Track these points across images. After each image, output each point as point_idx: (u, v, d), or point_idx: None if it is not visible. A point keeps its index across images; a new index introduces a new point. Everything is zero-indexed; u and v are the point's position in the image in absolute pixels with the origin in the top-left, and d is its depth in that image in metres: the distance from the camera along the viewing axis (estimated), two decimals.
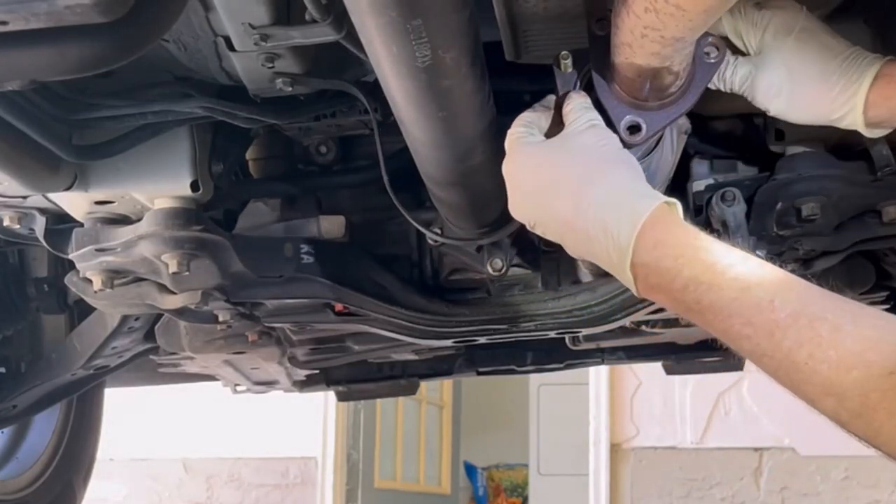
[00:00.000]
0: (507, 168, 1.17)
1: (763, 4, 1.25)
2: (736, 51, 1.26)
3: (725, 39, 1.27)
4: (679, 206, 1.06)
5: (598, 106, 1.18)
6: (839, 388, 0.90)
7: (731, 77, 1.25)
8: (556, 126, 1.20)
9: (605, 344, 2.27)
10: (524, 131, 1.18)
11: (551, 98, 1.22)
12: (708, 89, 1.21)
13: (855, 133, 1.46)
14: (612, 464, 5.72)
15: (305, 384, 2.42)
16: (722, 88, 1.28)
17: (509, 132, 1.19)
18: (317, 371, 2.34)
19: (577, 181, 1.09)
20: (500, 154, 1.32)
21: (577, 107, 1.17)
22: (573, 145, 1.13)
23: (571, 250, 1.14)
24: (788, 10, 1.24)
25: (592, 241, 1.07)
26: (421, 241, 1.84)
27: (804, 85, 1.22)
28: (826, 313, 0.93)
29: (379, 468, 6.88)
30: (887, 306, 2.01)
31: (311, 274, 1.70)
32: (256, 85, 1.39)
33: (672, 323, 1.96)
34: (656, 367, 2.73)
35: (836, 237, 1.65)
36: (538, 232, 1.16)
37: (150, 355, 2.19)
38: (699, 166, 1.66)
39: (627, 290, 1.74)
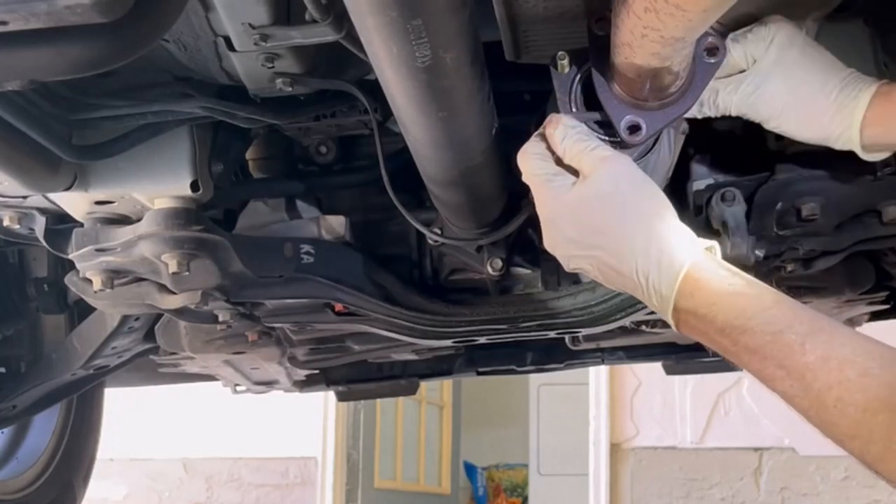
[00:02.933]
0: (540, 212, 1.20)
1: (767, 20, 1.26)
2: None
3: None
4: (717, 248, 1.11)
5: (599, 106, 1.18)
6: (866, 431, 0.93)
7: (727, 98, 1.27)
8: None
9: (605, 344, 2.28)
10: (542, 168, 1.18)
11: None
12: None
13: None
14: (612, 464, 5.72)
15: (305, 384, 2.42)
16: (712, 115, 1.30)
17: (526, 171, 1.20)
18: (317, 371, 2.34)
19: (612, 231, 1.13)
20: (500, 154, 1.32)
21: (567, 141, 1.17)
22: (596, 191, 1.14)
23: (611, 286, 1.18)
24: (791, 25, 1.26)
25: (634, 287, 1.12)
26: (421, 241, 1.84)
27: (804, 99, 1.24)
28: (856, 356, 0.96)
29: (379, 468, 6.88)
30: (887, 306, 2.01)
31: (311, 274, 1.70)
32: (256, 85, 1.39)
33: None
34: (656, 367, 2.73)
35: (836, 237, 1.65)
36: (572, 268, 1.20)
37: (150, 355, 2.18)
38: (699, 166, 1.66)
39: None
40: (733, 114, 1.29)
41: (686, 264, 1.07)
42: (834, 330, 1.00)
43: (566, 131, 1.18)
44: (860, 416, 0.93)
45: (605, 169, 1.14)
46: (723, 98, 1.28)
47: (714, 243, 1.11)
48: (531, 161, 1.20)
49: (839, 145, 1.25)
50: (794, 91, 1.24)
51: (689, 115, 1.25)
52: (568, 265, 1.21)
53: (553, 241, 1.20)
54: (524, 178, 1.21)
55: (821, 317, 1.01)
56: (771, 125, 1.28)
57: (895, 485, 0.93)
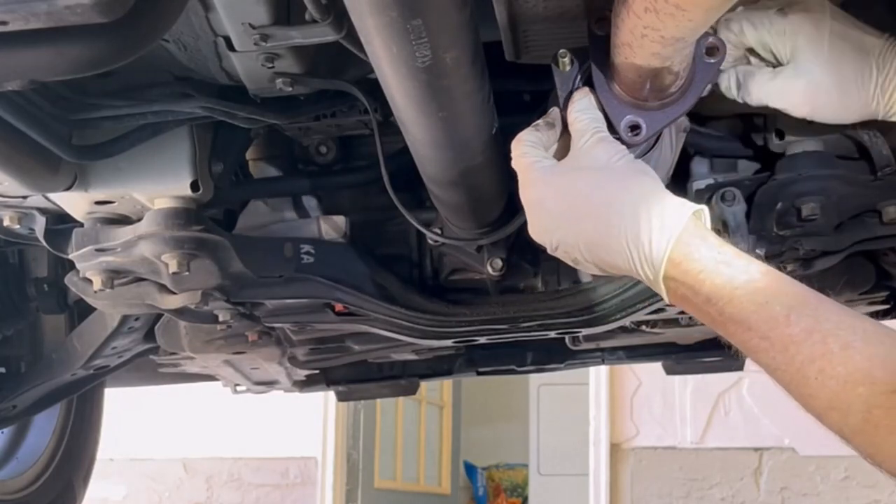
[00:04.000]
0: (525, 195, 1.18)
1: (787, 10, 1.25)
2: (760, 61, 1.27)
3: (751, 51, 1.27)
4: (706, 211, 1.09)
5: (599, 106, 1.18)
6: (844, 403, 0.93)
7: (759, 90, 1.27)
8: (563, 140, 1.20)
9: (605, 344, 2.27)
10: (532, 153, 1.18)
11: (553, 113, 1.22)
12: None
13: (855, 132, 1.46)
14: (612, 464, 5.72)
15: (305, 384, 2.42)
16: (750, 103, 1.29)
17: (516, 156, 1.19)
18: (317, 371, 2.34)
19: (602, 201, 1.11)
20: (500, 154, 1.32)
21: (580, 115, 1.17)
22: (588, 164, 1.14)
23: (598, 268, 1.15)
24: (815, 12, 1.24)
25: (625, 259, 1.10)
26: (421, 241, 1.84)
27: (843, 86, 1.23)
28: (839, 330, 0.96)
29: (379, 468, 6.88)
30: (887, 306, 2.01)
31: (311, 274, 1.70)
32: (256, 85, 1.39)
33: (672, 323, 1.96)
34: (656, 367, 2.73)
35: (836, 237, 1.65)
36: (559, 254, 1.18)
37: (150, 355, 2.18)
38: (699, 166, 1.66)
39: (627, 290, 1.74)
40: (766, 103, 1.28)
41: (676, 232, 1.06)
42: (819, 303, 0.99)
43: (588, 104, 1.17)
44: (840, 388, 0.93)
45: (601, 147, 1.14)
46: (755, 89, 1.27)
47: (703, 207, 1.09)
48: (522, 146, 1.19)
49: (884, 117, 1.24)
50: (832, 80, 1.23)
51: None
52: (554, 248, 1.18)
53: (539, 223, 1.18)
54: (513, 164, 1.19)
55: (806, 290, 1.01)
56: (807, 115, 1.27)
57: (871, 460, 0.93)
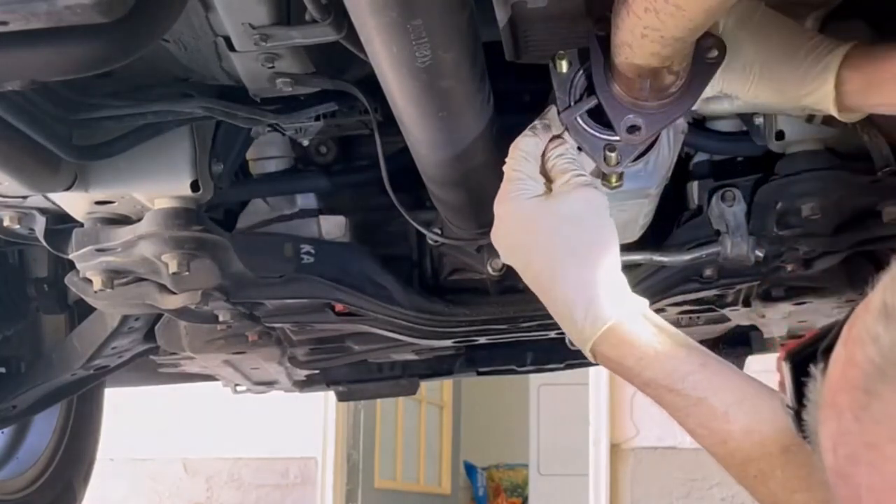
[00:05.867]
0: (498, 208, 1.21)
1: None
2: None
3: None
4: (646, 304, 1.13)
5: (599, 107, 1.18)
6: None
7: None
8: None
9: None
10: (520, 172, 1.19)
11: (550, 113, 1.22)
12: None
13: (854, 133, 1.45)
14: (612, 464, 5.72)
15: (305, 384, 2.42)
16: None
17: (508, 164, 1.20)
18: (317, 371, 2.34)
19: (556, 259, 1.15)
20: (500, 154, 1.32)
21: (558, 161, 1.19)
22: (561, 211, 1.16)
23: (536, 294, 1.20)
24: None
25: (561, 316, 1.15)
26: (421, 241, 1.84)
27: (774, 60, 1.21)
28: (777, 433, 1.03)
29: (379, 468, 6.89)
30: None
31: (311, 274, 1.70)
32: (256, 85, 1.39)
33: (671, 323, 1.96)
34: None
35: (836, 237, 1.65)
36: (508, 263, 1.23)
37: (150, 355, 2.18)
38: (699, 166, 1.66)
39: None
40: (710, 93, 1.24)
41: (610, 320, 1.11)
42: (759, 400, 1.05)
43: (565, 150, 1.19)
44: (779, 491, 1.00)
45: (577, 194, 1.16)
46: None
47: (644, 301, 1.14)
48: (516, 156, 1.20)
49: (813, 106, 1.21)
50: (765, 55, 1.21)
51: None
52: (505, 259, 1.23)
53: (501, 239, 1.21)
54: (504, 168, 1.21)
55: (747, 382, 1.07)
56: (745, 96, 1.24)
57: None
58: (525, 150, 1.20)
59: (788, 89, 1.21)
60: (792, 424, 0.77)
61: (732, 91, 1.25)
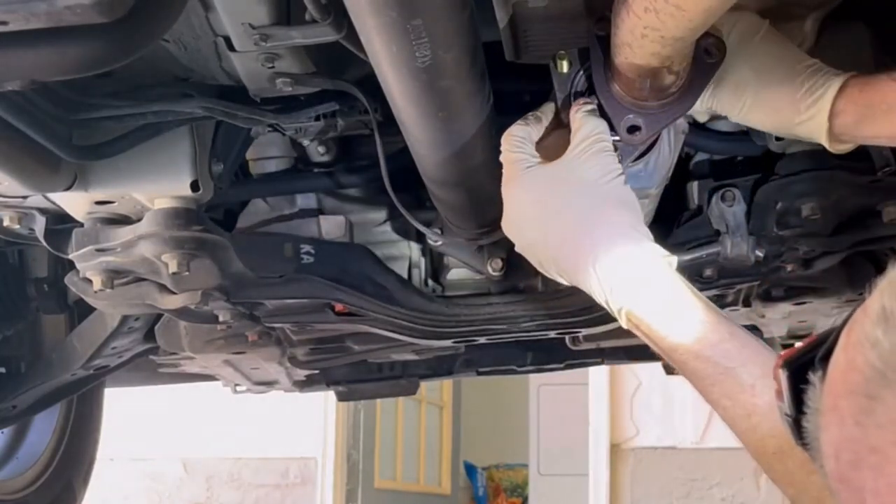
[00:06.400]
0: (506, 190, 1.19)
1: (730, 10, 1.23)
2: None
3: None
4: (675, 261, 1.11)
5: (599, 107, 1.18)
6: (801, 483, 1.02)
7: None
8: (555, 137, 1.20)
9: (605, 344, 2.27)
10: (520, 151, 1.18)
11: (545, 107, 1.22)
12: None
13: None
14: (612, 464, 5.72)
15: (305, 384, 2.42)
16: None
17: (505, 150, 1.20)
18: (317, 371, 2.34)
19: (579, 222, 1.13)
20: (499, 154, 1.31)
21: (587, 117, 1.17)
22: (577, 176, 1.14)
23: (562, 278, 1.17)
24: (753, 15, 1.22)
25: (587, 284, 1.13)
26: (421, 241, 1.84)
27: (771, 87, 1.20)
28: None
29: (379, 468, 6.88)
30: None
31: (311, 274, 1.70)
32: (256, 85, 1.39)
33: None
34: (656, 367, 2.73)
35: (836, 237, 1.65)
36: (526, 254, 1.20)
37: (150, 355, 2.18)
38: (699, 166, 1.66)
39: None
40: (700, 110, 1.24)
41: (645, 277, 1.09)
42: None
43: (584, 112, 1.18)
44: (797, 470, 1.00)
45: (598, 159, 1.14)
46: None
47: (673, 257, 1.12)
48: (512, 141, 1.20)
49: (805, 135, 1.20)
50: (761, 79, 1.20)
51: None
52: (522, 247, 1.21)
53: (514, 220, 1.20)
54: (501, 158, 1.20)
55: (769, 355, 1.06)
56: (736, 116, 1.24)
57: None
58: (520, 135, 1.20)
59: (781, 116, 1.20)
60: (790, 432, 0.76)
61: (723, 111, 1.24)
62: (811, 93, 1.16)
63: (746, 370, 1.04)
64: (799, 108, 1.17)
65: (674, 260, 1.11)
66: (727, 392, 1.06)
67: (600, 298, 1.13)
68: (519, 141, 1.19)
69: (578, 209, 1.13)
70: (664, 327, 1.08)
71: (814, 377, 0.71)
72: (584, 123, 1.17)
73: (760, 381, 1.03)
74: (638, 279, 1.09)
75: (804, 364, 0.73)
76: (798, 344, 0.96)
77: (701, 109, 1.24)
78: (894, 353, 0.63)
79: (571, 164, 1.16)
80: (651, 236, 1.13)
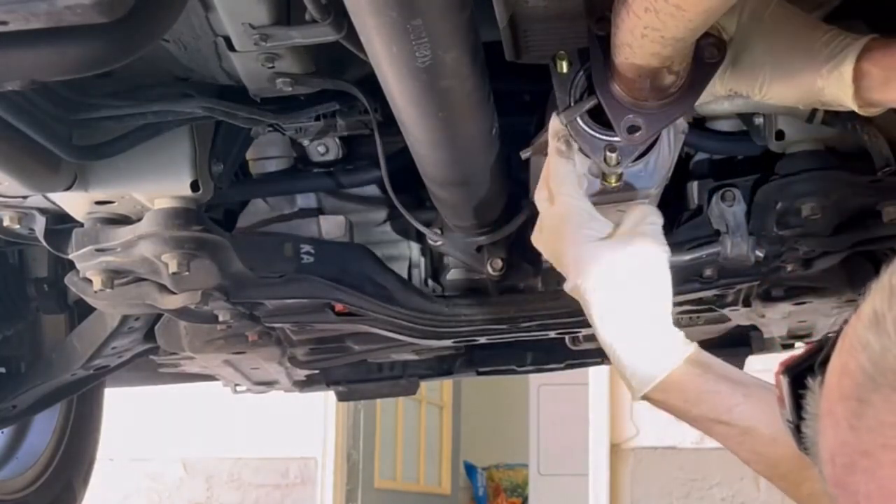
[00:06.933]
0: (570, 253, 1.24)
1: None
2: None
3: None
4: (692, 348, 1.18)
5: (599, 107, 1.18)
6: None
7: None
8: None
9: None
10: (578, 206, 1.22)
11: (561, 132, 1.23)
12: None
13: (854, 133, 1.45)
14: (612, 464, 5.72)
15: (305, 384, 2.42)
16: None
17: (563, 197, 1.22)
18: (317, 371, 2.34)
19: (610, 303, 1.20)
20: (500, 154, 1.32)
21: (557, 164, 1.23)
22: (621, 259, 1.21)
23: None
24: None
25: (611, 352, 1.21)
26: (421, 241, 1.84)
27: (789, 59, 1.17)
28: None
29: (379, 468, 6.88)
30: None
31: (311, 274, 1.70)
32: (256, 85, 1.39)
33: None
34: None
35: (836, 237, 1.65)
36: (558, 267, 1.28)
37: (150, 355, 2.18)
38: (699, 166, 1.66)
39: None
40: (721, 93, 1.23)
41: (661, 373, 1.16)
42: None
43: (561, 155, 1.24)
44: None
45: (642, 244, 1.21)
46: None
47: (690, 347, 1.18)
48: (566, 189, 1.23)
49: (831, 100, 1.17)
50: (778, 51, 1.17)
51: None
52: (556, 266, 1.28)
53: (548, 245, 1.26)
54: (554, 206, 1.24)
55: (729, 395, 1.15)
56: (757, 94, 1.21)
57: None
58: (571, 179, 1.23)
59: (803, 85, 1.17)
60: (792, 438, 0.77)
61: (743, 90, 1.22)
62: (832, 56, 1.13)
63: (764, 425, 1.12)
64: (821, 71, 1.14)
65: (691, 349, 1.18)
66: (753, 448, 1.15)
67: (624, 381, 1.21)
68: (572, 188, 1.23)
69: (614, 294, 1.20)
70: (684, 407, 1.17)
71: (812, 383, 0.72)
72: (558, 167, 1.22)
73: (781, 433, 1.08)
74: (659, 378, 1.17)
75: (804, 370, 0.74)
76: (798, 348, 0.96)
77: (722, 91, 1.23)
78: (884, 357, 0.63)
79: (620, 247, 1.22)
80: (674, 330, 1.20)
